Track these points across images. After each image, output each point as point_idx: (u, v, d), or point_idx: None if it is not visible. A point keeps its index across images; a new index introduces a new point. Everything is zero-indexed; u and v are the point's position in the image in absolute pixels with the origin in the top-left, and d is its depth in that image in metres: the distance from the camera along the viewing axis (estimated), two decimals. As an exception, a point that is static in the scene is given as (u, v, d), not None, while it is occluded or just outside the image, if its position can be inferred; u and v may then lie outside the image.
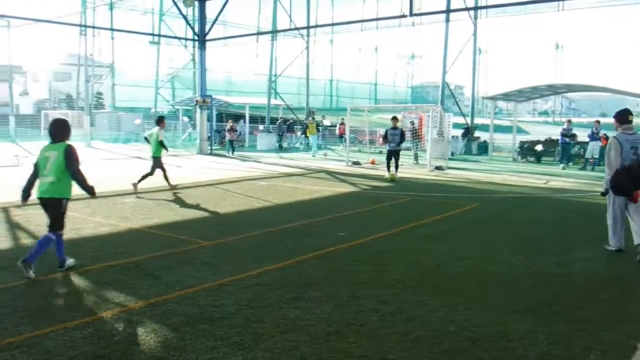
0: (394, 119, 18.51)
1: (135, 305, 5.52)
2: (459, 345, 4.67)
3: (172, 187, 13.97)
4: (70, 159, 6.65)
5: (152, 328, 4.93)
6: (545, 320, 5.28)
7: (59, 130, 6.86)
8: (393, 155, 17.69)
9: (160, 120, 14.41)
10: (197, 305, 5.53)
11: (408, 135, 22.67)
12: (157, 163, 13.83)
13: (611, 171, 7.53)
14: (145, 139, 15.12)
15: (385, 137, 18.37)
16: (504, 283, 6.52)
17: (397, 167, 17.78)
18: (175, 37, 40.28)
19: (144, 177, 13.53)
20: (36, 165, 6.76)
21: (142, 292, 5.92)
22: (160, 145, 13.81)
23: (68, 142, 6.83)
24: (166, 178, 13.92)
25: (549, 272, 7.01)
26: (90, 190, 7.00)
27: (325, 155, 27.36)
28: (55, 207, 6.73)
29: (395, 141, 17.72)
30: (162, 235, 8.89)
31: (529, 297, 6.01)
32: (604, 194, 8.28)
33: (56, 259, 6.85)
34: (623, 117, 7.93)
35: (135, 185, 13.35)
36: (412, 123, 26.64)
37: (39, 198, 6.72)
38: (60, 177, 6.65)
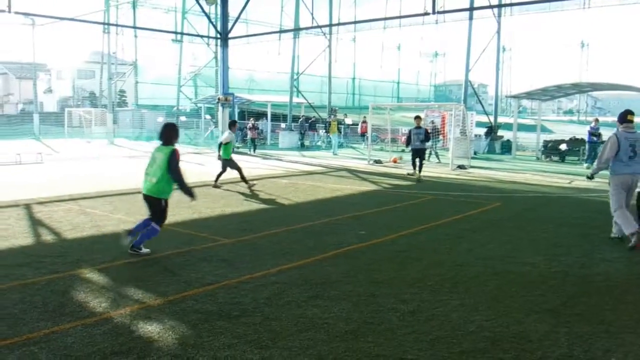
0: (418, 118, 18.34)
1: (154, 302, 5.54)
2: (479, 345, 4.61)
3: (215, 185, 14.45)
4: (172, 162, 7.21)
5: (170, 325, 4.94)
6: (566, 321, 5.19)
7: (168, 135, 7.49)
8: (418, 153, 17.48)
9: (230, 125, 15.57)
10: (215, 303, 5.54)
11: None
12: (228, 163, 14.50)
13: (599, 163, 8.65)
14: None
15: (408, 138, 18.08)
16: (525, 283, 6.42)
17: (421, 167, 17.46)
18: (198, 35, 40.58)
19: (242, 176, 14.35)
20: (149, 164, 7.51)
21: (161, 289, 5.95)
22: (219, 147, 14.58)
23: (175, 145, 7.43)
24: (219, 175, 14.58)
25: (571, 272, 6.90)
26: (188, 192, 7.46)
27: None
28: (155, 205, 7.41)
29: (419, 139, 17.49)
30: (182, 232, 8.92)
31: (551, 297, 5.91)
32: (589, 178, 9.18)
33: (75, 255, 7.15)
34: (622, 117, 8.59)
35: (247, 182, 14.32)
36: (433, 122, 26.45)
37: (143, 194, 7.47)
38: (161, 178, 7.26)
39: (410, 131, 18.11)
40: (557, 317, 5.29)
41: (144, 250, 7.45)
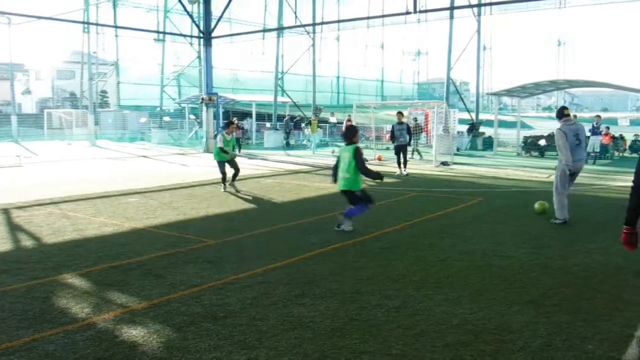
0: (399, 114, 18.73)
1: (138, 306, 5.52)
2: (462, 338, 4.68)
3: (228, 187, 14.00)
4: (358, 158, 8.65)
5: (155, 329, 4.92)
6: (546, 311, 5.30)
7: (350, 136, 9.05)
8: (401, 150, 17.69)
9: (225, 125, 14.64)
10: (201, 305, 5.53)
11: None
12: (219, 166, 13.94)
13: (567, 154, 9.41)
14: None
15: (392, 133, 18.41)
16: (507, 276, 6.52)
17: (405, 163, 17.75)
18: (180, 35, 40.38)
19: (224, 178, 13.92)
20: (337, 162, 9.05)
21: (145, 293, 5.92)
22: (221, 150, 13.81)
23: (357, 144, 8.89)
24: (223, 181, 13.99)
25: (551, 264, 7.03)
26: (377, 177, 9.06)
27: (333, 152, 27.21)
28: (352, 196, 8.89)
29: (402, 136, 17.82)
30: (167, 234, 8.90)
31: (531, 289, 6.02)
32: (571, 173, 9.73)
33: (56, 260, 7.17)
34: (559, 113, 9.80)
35: (225, 183, 13.92)
36: (415, 119, 26.72)
37: (340, 189, 8.97)
38: (351, 174, 8.73)
39: (393, 126, 18.46)
40: (537, 308, 5.39)
41: (348, 228, 8.88)
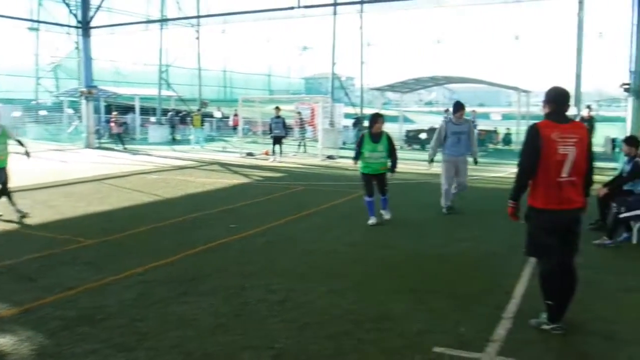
0: (277, 108, 21.62)
1: (7, 313, 5.20)
2: (344, 328, 4.81)
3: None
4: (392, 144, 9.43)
5: (26, 335, 4.66)
6: (424, 298, 5.57)
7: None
8: (277, 141, 20.74)
9: None
10: (76, 308, 5.30)
11: (291, 122, 25.45)
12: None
13: (434, 144, 10.38)
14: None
15: (270, 125, 21.66)
16: (390, 266, 6.76)
17: (281, 152, 20.78)
18: (55, 24, 38.00)
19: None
20: None
21: (16, 298, 5.58)
22: None
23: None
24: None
25: (430, 253, 7.37)
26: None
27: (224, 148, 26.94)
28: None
29: (278, 128, 20.85)
30: (41, 235, 8.40)
31: (412, 278, 6.28)
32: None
33: None
34: (456, 108, 10.29)
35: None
36: (299, 114, 27.43)
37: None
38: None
39: (271, 120, 21.49)
40: (417, 296, 5.65)
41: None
